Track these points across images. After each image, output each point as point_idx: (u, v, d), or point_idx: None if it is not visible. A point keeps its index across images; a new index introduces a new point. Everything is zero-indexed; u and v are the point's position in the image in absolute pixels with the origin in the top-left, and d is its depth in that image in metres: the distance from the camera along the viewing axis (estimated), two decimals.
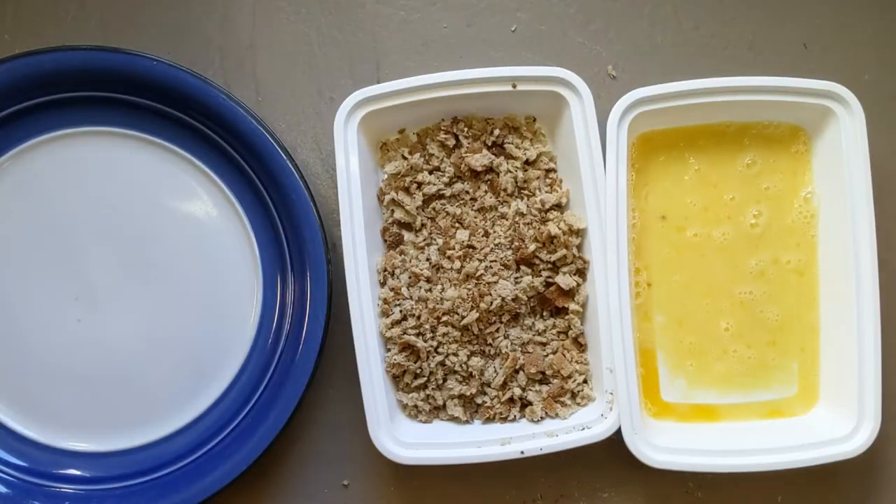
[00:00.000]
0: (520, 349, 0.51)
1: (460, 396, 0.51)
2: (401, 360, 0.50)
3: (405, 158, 0.52)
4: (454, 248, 0.51)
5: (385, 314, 0.51)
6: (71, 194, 0.52)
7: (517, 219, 0.51)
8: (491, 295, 0.50)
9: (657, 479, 0.53)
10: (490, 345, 0.51)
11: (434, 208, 0.52)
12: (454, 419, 0.51)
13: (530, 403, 0.51)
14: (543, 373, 0.51)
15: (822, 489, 0.53)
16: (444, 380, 0.51)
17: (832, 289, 0.51)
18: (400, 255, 0.52)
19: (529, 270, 0.51)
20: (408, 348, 0.50)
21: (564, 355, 0.51)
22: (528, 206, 0.51)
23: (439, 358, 0.50)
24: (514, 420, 0.51)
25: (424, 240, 0.52)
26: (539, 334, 0.51)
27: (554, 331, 0.51)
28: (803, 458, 0.48)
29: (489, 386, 0.51)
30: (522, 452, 0.48)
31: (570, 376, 0.50)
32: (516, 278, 0.51)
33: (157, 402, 0.52)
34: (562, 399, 0.51)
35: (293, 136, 0.54)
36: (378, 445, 0.48)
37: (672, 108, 0.50)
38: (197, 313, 0.52)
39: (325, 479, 0.53)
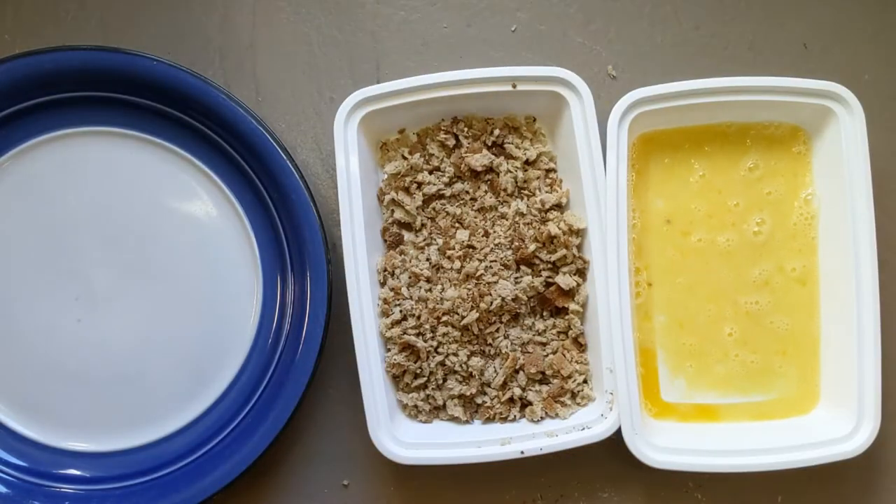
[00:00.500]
0: (520, 349, 0.51)
1: (460, 396, 0.51)
2: (401, 360, 0.50)
3: (405, 158, 0.52)
4: (454, 248, 0.51)
5: (385, 314, 0.51)
6: (71, 194, 0.52)
7: (517, 219, 0.51)
8: (491, 295, 0.50)
9: (657, 479, 0.53)
10: (490, 345, 0.51)
11: (434, 208, 0.52)
12: (454, 419, 0.51)
13: (530, 403, 0.51)
14: (543, 373, 0.51)
15: (822, 489, 0.53)
16: (444, 380, 0.51)
17: (832, 289, 0.51)
18: (400, 255, 0.52)
19: (529, 270, 0.51)
20: (408, 348, 0.50)
21: (564, 355, 0.51)
22: (528, 206, 0.51)
23: (439, 358, 0.50)
24: (514, 420, 0.51)
25: (424, 240, 0.52)
26: (539, 334, 0.51)
27: (554, 331, 0.51)
28: (803, 458, 0.48)
29: (489, 386, 0.51)
30: (522, 452, 0.48)
31: (570, 376, 0.50)
32: (516, 278, 0.51)
33: (157, 402, 0.52)
34: (562, 399, 0.51)
35: (293, 136, 0.54)
36: (378, 445, 0.48)
37: (672, 108, 0.50)
38: (197, 313, 0.52)
39: (325, 479, 0.53)
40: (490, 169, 0.52)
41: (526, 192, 0.52)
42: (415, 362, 0.50)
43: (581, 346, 0.51)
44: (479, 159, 0.51)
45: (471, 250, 0.51)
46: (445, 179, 0.52)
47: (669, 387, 0.52)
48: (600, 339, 0.49)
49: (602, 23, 0.55)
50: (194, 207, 0.52)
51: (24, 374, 0.52)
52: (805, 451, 0.48)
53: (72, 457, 0.52)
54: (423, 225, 0.52)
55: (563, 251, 0.50)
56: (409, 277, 0.51)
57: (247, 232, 0.52)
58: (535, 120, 0.53)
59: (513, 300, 0.50)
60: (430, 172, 0.52)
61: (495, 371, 0.51)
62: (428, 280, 0.51)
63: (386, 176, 0.52)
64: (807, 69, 0.54)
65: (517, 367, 0.51)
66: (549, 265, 0.51)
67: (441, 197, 0.52)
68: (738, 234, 0.52)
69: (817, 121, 0.51)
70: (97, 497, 0.51)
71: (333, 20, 0.55)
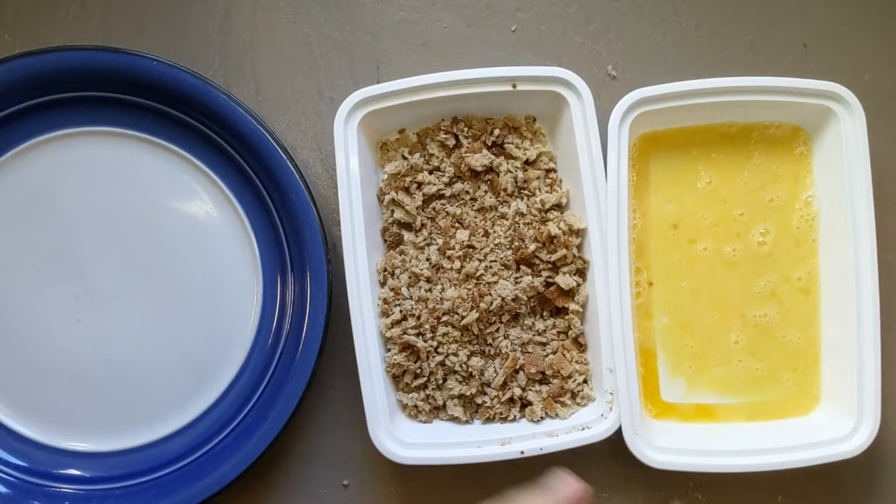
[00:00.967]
0: (520, 349, 0.51)
1: (460, 396, 0.51)
2: (401, 360, 0.50)
3: (405, 158, 0.52)
4: (454, 248, 0.51)
5: (385, 314, 0.51)
6: (71, 194, 0.52)
7: (517, 219, 0.51)
8: (491, 295, 0.50)
9: (657, 479, 0.53)
10: (490, 345, 0.51)
11: (434, 208, 0.52)
12: (454, 419, 0.51)
13: (530, 403, 0.51)
14: (543, 373, 0.51)
15: (822, 489, 0.53)
16: (444, 380, 0.51)
17: (833, 289, 0.51)
18: (400, 255, 0.52)
19: (529, 270, 0.51)
20: (408, 348, 0.50)
21: (564, 355, 0.51)
22: (528, 206, 0.51)
23: (439, 358, 0.50)
24: (514, 420, 0.51)
25: (424, 240, 0.52)
26: (539, 334, 0.51)
27: (554, 331, 0.51)
28: (803, 458, 0.48)
29: (489, 386, 0.51)
30: (522, 452, 0.48)
31: (570, 376, 0.50)
32: (516, 278, 0.51)
33: (157, 402, 0.52)
34: (562, 399, 0.51)
35: (293, 136, 0.54)
36: (378, 445, 0.48)
37: (673, 108, 0.50)
38: (197, 313, 0.52)
39: (325, 479, 0.53)
40: (490, 169, 0.52)
41: (526, 192, 0.52)
42: (415, 362, 0.50)
43: (581, 346, 0.51)
44: (479, 159, 0.51)
45: (471, 250, 0.51)
46: (445, 179, 0.52)
47: (669, 387, 0.52)
48: (600, 339, 0.49)
49: (602, 23, 0.55)
50: (194, 207, 0.52)
51: (24, 374, 0.52)
52: (805, 451, 0.48)
53: (72, 457, 0.52)
54: (423, 225, 0.52)
55: (563, 251, 0.50)
56: (409, 277, 0.51)
57: (247, 232, 0.52)
58: (535, 120, 0.53)
59: (513, 300, 0.50)
60: (430, 172, 0.52)
61: (495, 371, 0.51)
62: (428, 280, 0.51)
63: (386, 176, 0.52)
64: (807, 69, 0.54)
65: (517, 367, 0.51)
66: (549, 265, 0.51)
67: (441, 197, 0.52)
68: (743, 245, 0.52)
69: (817, 121, 0.51)
70: (97, 497, 0.51)
71: (333, 20, 0.55)
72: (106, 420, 0.52)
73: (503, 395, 0.51)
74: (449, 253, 0.51)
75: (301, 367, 0.50)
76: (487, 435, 0.50)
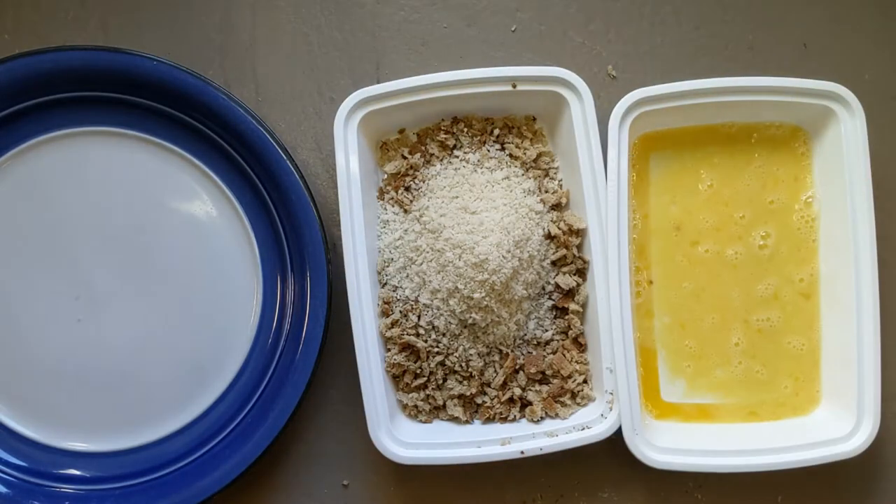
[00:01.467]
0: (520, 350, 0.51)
1: (460, 396, 0.51)
2: (401, 360, 0.50)
3: (405, 158, 0.52)
4: None
5: (385, 314, 0.51)
6: (71, 194, 0.52)
7: None
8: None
9: (657, 479, 0.53)
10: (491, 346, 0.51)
11: None
12: (454, 419, 0.51)
13: (530, 403, 0.51)
14: (543, 373, 0.51)
15: (822, 489, 0.53)
16: (444, 380, 0.51)
17: (833, 289, 0.51)
18: None
19: None
20: (408, 348, 0.50)
21: (564, 355, 0.51)
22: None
23: (439, 358, 0.50)
24: (514, 420, 0.51)
25: None
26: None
27: (554, 330, 0.51)
28: (803, 458, 0.48)
29: (489, 386, 0.51)
30: (522, 452, 0.48)
31: (570, 376, 0.50)
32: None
33: (157, 402, 0.52)
34: (562, 399, 0.51)
35: (293, 136, 0.54)
36: (378, 445, 0.48)
37: (672, 108, 0.50)
38: (197, 313, 0.52)
39: (325, 479, 0.53)
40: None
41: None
42: (415, 362, 0.50)
43: (581, 346, 0.51)
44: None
45: None
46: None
47: (669, 387, 0.52)
48: (600, 339, 0.49)
49: (602, 23, 0.55)
50: (194, 207, 0.52)
51: (24, 374, 0.52)
52: (805, 451, 0.49)
53: (72, 457, 0.52)
54: None
55: (563, 251, 0.50)
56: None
57: (247, 232, 0.52)
58: (535, 120, 0.53)
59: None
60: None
61: (495, 371, 0.51)
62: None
63: (386, 176, 0.52)
64: (807, 69, 0.54)
65: (517, 367, 0.51)
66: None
67: None
68: (745, 248, 0.52)
69: (817, 121, 0.51)
70: (97, 497, 0.51)
71: (333, 20, 0.55)
72: (106, 420, 0.52)
73: (503, 395, 0.51)
74: None
75: (301, 367, 0.50)
76: (487, 435, 0.50)
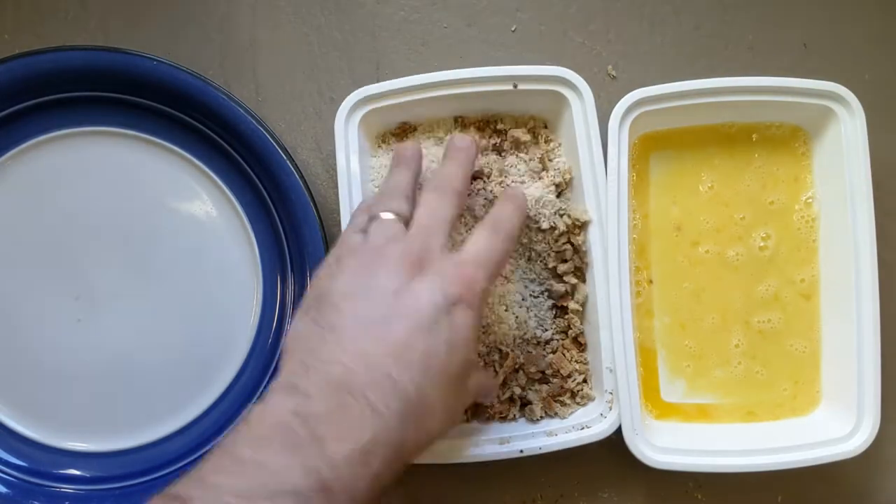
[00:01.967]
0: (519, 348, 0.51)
1: None
2: None
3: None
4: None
5: None
6: (71, 194, 0.52)
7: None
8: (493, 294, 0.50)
9: (657, 479, 0.53)
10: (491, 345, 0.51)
11: None
12: None
13: (530, 403, 0.51)
14: (543, 372, 0.51)
15: (822, 489, 0.53)
16: None
17: (833, 289, 0.51)
18: None
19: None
20: None
21: (564, 354, 0.51)
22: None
23: None
24: (513, 419, 0.51)
25: None
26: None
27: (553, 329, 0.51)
28: (803, 458, 0.48)
29: None
30: (522, 451, 0.48)
31: (569, 376, 0.50)
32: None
33: (157, 402, 0.52)
34: (561, 398, 0.51)
35: (293, 136, 0.54)
36: None
37: (672, 108, 0.50)
38: (197, 313, 0.52)
39: None
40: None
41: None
42: None
43: (581, 346, 0.51)
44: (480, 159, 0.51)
45: None
46: None
47: (670, 387, 0.52)
48: (600, 339, 0.49)
49: (602, 23, 0.55)
50: (194, 207, 0.52)
51: (24, 374, 0.52)
52: (805, 451, 0.48)
53: (72, 457, 0.52)
54: None
55: (567, 246, 0.50)
56: None
57: (247, 232, 0.52)
58: (536, 119, 0.52)
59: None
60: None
61: (495, 370, 0.51)
62: None
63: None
64: (807, 69, 0.54)
65: (517, 366, 0.51)
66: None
67: None
68: (746, 249, 0.52)
69: (818, 121, 0.51)
70: (97, 497, 0.51)
71: (333, 20, 0.55)
72: (106, 420, 0.52)
73: (503, 394, 0.51)
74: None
75: None
76: (487, 434, 0.50)
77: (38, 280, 0.52)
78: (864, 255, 0.49)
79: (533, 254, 0.50)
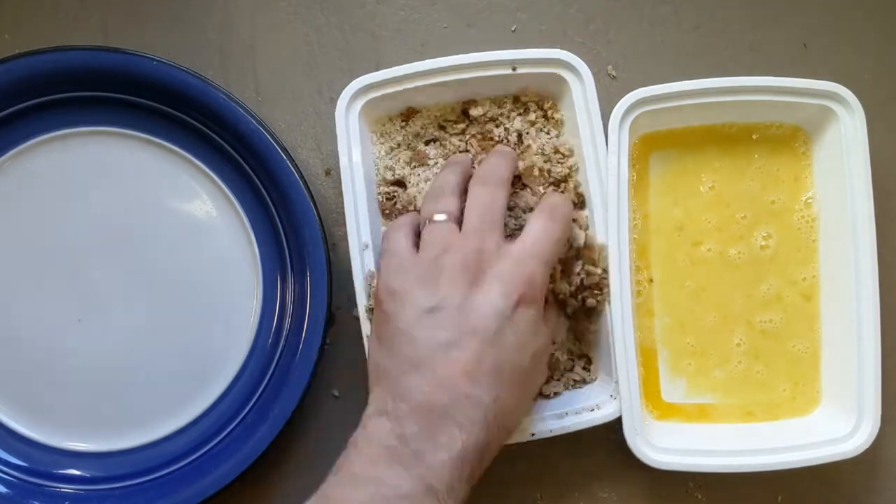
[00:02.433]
0: None
1: None
2: None
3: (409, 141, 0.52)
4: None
5: None
6: (71, 194, 0.52)
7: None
8: None
9: (657, 479, 0.53)
10: None
11: None
12: None
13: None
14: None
15: (822, 489, 0.53)
16: None
17: (833, 289, 0.51)
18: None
19: None
20: None
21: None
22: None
23: None
24: None
25: None
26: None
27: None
28: (803, 458, 0.48)
29: None
30: (533, 435, 0.48)
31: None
32: None
33: (157, 402, 0.52)
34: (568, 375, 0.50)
35: (293, 136, 0.54)
36: None
37: (672, 108, 0.50)
38: (197, 313, 0.52)
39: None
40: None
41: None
42: None
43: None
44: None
45: None
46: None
47: (670, 387, 0.52)
48: (602, 339, 0.49)
49: (602, 23, 0.55)
50: (194, 207, 0.52)
51: (24, 374, 0.52)
52: (805, 451, 0.48)
53: (72, 457, 0.52)
54: None
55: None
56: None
57: (247, 232, 0.52)
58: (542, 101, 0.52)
59: None
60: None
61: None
62: None
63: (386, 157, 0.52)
64: (807, 69, 0.54)
65: None
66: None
67: None
68: (747, 248, 0.52)
69: (817, 121, 0.51)
70: (97, 497, 0.51)
71: (333, 20, 0.55)
72: (106, 420, 0.52)
73: None
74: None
75: (301, 367, 0.50)
76: None
77: (38, 280, 0.52)
78: (864, 255, 0.49)
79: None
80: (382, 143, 0.52)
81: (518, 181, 0.49)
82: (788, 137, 0.53)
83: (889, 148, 0.54)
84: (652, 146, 0.52)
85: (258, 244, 0.52)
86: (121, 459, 0.52)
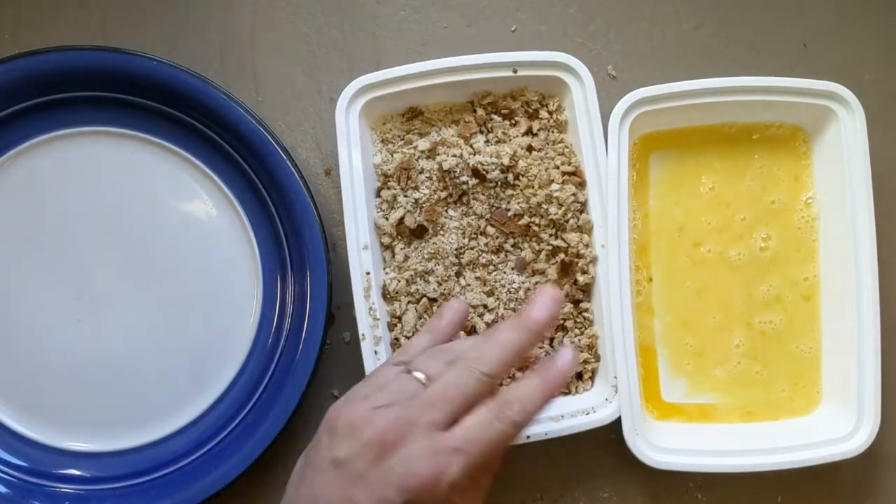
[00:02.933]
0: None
1: None
2: None
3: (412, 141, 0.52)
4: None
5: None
6: (71, 194, 0.52)
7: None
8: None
9: (657, 479, 0.53)
10: None
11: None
12: None
13: None
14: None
15: (822, 489, 0.53)
16: None
17: (833, 289, 0.51)
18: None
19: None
20: None
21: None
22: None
23: None
24: None
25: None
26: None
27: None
28: (803, 458, 0.48)
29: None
30: (528, 437, 0.48)
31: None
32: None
33: (157, 402, 0.52)
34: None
35: (293, 136, 0.54)
36: None
37: (672, 108, 0.50)
38: (197, 313, 0.52)
39: None
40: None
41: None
42: None
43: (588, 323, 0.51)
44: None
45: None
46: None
47: (670, 387, 0.52)
48: (602, 338, 0.49)
49: (602, 23, 0.55)
50: (194, 207, 0.52)
51: (24, 374, 0.51)
52: (805, 451, 0.49)
53: (72, 457, 0.52)
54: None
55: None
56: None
57: (247, 232, 0.52)
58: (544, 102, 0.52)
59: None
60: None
61: None
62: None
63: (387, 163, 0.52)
64: (807, 69, 0.54)
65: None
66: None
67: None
68: (747, 249, 0.52)
69: (817, 121, 0.51)
70: (97, 497, 0.51)
71: (333, 20, 0.55)
72: (106, 420, 0.52)
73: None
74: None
75: (301, 367, 0.50)
76: None
77: (38, 280, 0.52)
78: (864, 255, 0.49)
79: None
80: (382, 143, 0.52)
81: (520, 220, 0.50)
82: (788, 137, 0.53)
83: (889, 148, 0.54)
84: (652, 146, 0.52)
85: (258, 244, 0.52)
86: (121, 459, 0.52)
